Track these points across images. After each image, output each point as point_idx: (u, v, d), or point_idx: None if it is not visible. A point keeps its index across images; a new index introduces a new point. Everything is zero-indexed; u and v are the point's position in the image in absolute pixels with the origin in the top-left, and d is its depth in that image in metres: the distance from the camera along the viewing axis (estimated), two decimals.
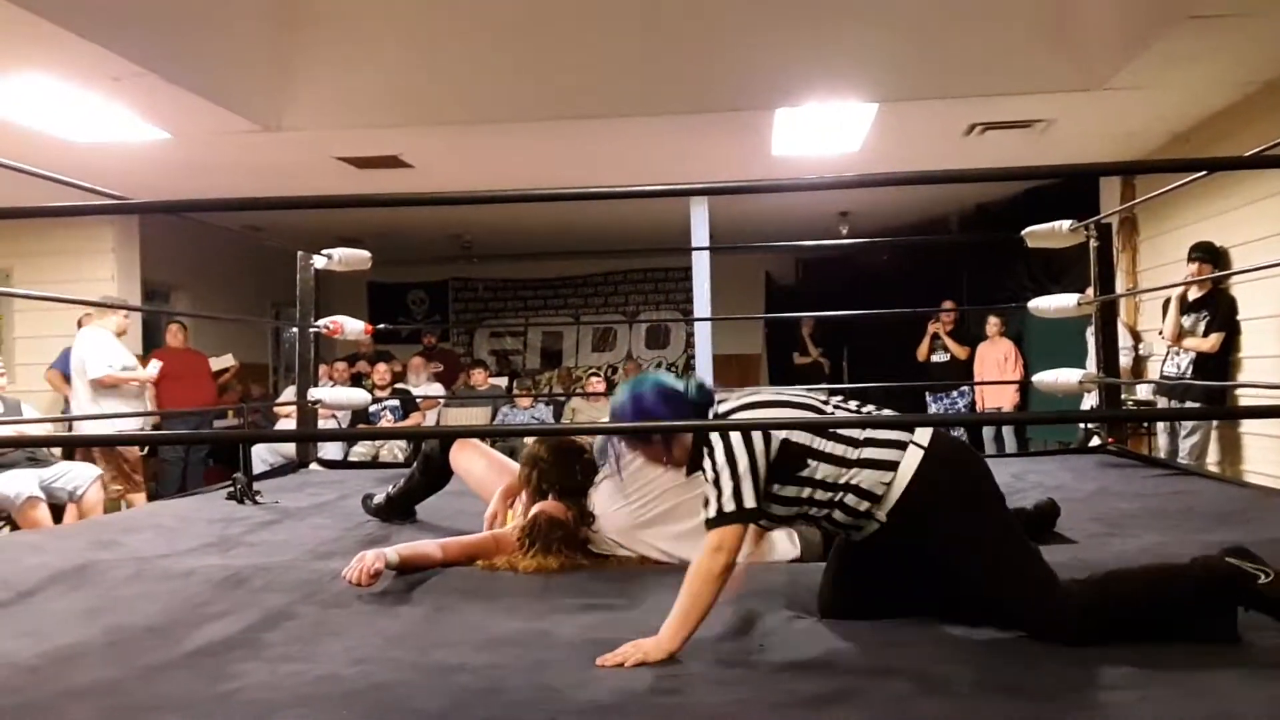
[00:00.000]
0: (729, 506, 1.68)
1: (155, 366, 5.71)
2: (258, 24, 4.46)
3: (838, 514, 1.77)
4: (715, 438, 1.72)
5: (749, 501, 1.69)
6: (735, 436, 1.71)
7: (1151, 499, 3.07)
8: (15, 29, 3.59)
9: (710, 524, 1.70)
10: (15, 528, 4.39)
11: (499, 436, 2.77)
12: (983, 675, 1.54)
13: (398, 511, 3.05)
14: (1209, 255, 4.83)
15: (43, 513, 4.48)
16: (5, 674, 1.63)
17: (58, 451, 5.02)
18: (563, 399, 8.64)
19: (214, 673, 1.63)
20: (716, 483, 1.70)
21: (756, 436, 1.71)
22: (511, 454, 3.27)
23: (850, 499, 1.75)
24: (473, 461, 2.86)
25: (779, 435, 1.72)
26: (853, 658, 1.64)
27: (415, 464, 3.06)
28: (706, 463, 1.73)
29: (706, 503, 1.71)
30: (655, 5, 4.43)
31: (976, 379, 7.26)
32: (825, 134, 5.42)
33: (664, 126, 5.30)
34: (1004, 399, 7.10)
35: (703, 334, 6.76)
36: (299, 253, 4.34)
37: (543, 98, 4.95)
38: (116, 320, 5.48)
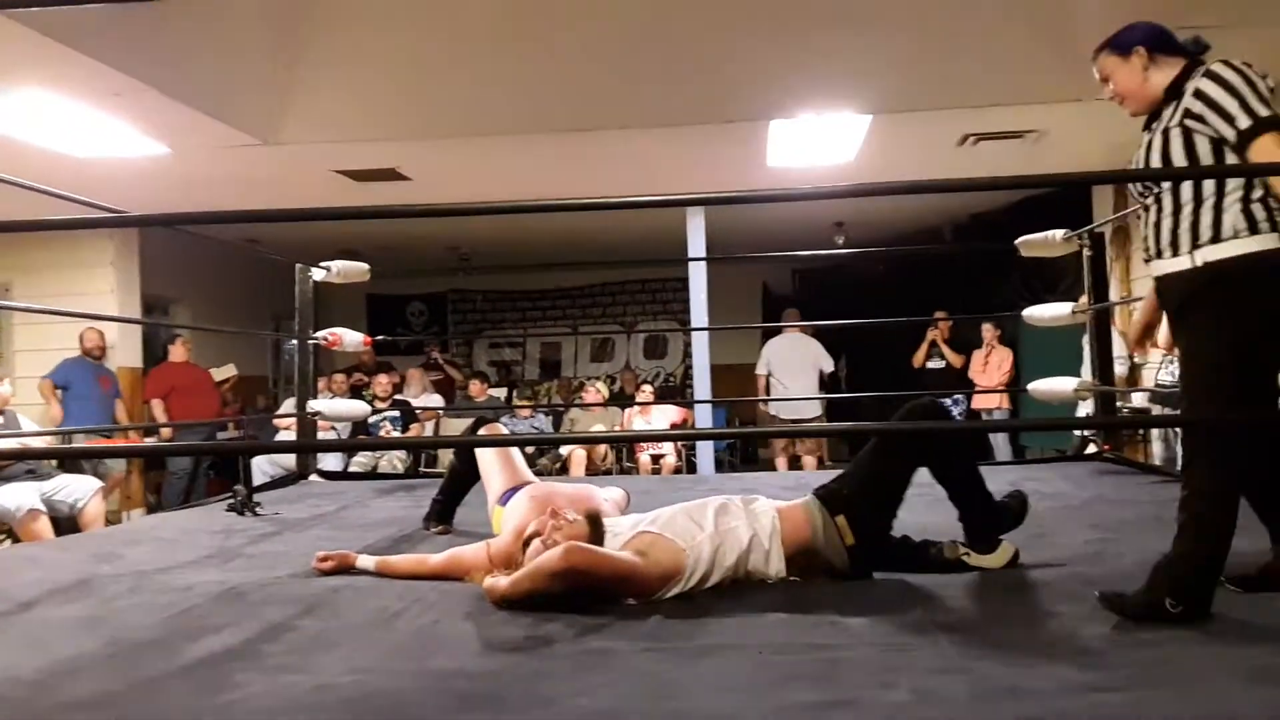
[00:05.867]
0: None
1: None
2: (256, 39, 4.49)
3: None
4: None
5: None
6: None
7: (1147, 506, 3.08)
8: (17, 45, 3.62)
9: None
10: (16, 540, 4.40)
11: (495, 446, 2.79)
12: (980, 681, 1.55)
13: (441, 517, 3.11)
14: None
15: (44, 525, 4.49)
16: (6, 687, 1.64)
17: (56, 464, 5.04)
18: (562, 409, 8.66)
19: (213, 684, 1.64)
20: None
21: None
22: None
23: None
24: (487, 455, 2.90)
25: None
26: (852, 665, 1.65)
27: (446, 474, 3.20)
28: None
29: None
30: (650, 18, 4.46)
31: (978, 385, 7.32)
32: (820, 145, 5.45)
33: (660, 138, 5.34)
34: (998, 402, 7.20)
35: (700, 344, 6.77)
36: (298, 265, 4.36)
37: (539, 111, 4.99)
38: None
